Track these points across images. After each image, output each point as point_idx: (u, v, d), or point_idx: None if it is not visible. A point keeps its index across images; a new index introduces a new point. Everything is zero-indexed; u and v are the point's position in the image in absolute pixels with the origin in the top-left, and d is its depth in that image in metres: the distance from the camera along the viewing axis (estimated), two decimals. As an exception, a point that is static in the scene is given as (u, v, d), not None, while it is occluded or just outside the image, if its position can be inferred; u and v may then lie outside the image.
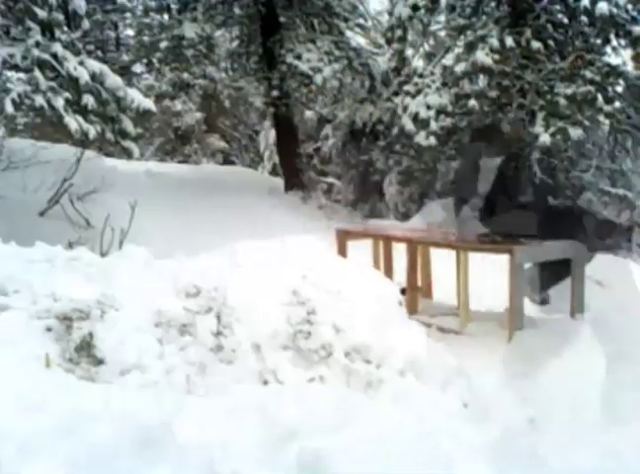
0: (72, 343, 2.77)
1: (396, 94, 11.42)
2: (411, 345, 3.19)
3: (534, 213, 4.56)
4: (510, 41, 9.19)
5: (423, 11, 11.24)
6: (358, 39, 13.89)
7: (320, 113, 14.13)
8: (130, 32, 17.42)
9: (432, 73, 10.60)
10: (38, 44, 6.82)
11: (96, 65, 7.30)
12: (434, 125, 10.03)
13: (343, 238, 5.54)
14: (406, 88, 10.78)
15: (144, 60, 13.21)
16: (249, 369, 2.91)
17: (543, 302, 4.71)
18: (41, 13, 7.05)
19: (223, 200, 9.79)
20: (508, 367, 3.63)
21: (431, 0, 10.59)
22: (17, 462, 1.99)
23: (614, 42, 9.46)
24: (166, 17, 14.39)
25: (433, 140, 10.02)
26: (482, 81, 10.32)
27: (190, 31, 11.27)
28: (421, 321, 3.92)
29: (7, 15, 7.22)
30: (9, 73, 7.30)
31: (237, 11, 13.10)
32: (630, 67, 9.67)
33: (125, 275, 3.40)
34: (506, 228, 4.53)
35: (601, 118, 9.30)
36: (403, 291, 4.48)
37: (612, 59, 9.63)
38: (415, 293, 4.98)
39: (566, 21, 10.08)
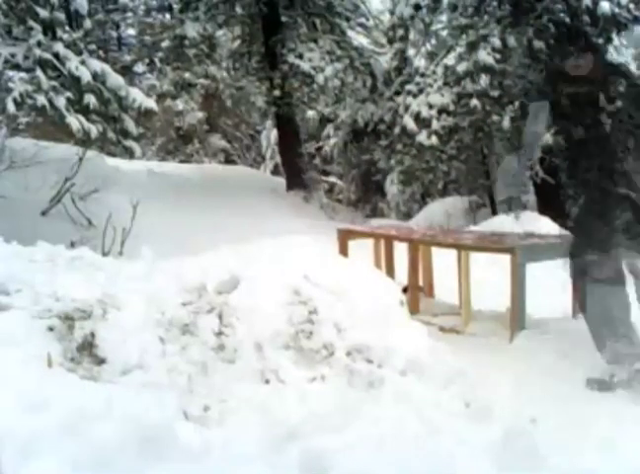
0: (74, 342, 2.77)
1: (398, 93, 11.43)
2: (412, 344, 3.19)
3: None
4: (511, 41, 9.20)
5: (425, 10, 11.26)
6: (359, 39, 13.92)
7: (322, 112, 14.15)
8: (132, 31, 17.45)
9: (433, 72, 10.61)
10: (39, 44, 6.83)
11: (97, 65, 7.31)
12: (435, 125, 10.04)
13: (344, 238, 5.54)
14: (408, 87, 10.79)
15: (146, 60, 13.22)
16: (250, 369, 2.91)
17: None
18: (43, 12, 7.06)
19: (225, 200, 9.80)
20: (509, 367, 3.63)
21: (432, -1, 10.62)
22: (19, 462, 1.99)
23: (616, 42, 9.47)
24: (168, 16, 14.42)
25: (434, 140, 10.03)
26: (484, 80, 10.31)
27: (191, 30, 11.28)
28: (422, 321, 3.91)
29: (9, 14, 7.22)
30: (11, 73, 7.32)
31: (239, 10, 13.12)
32: (632, 67, 9.66)
33: (127, 274, 3.40)
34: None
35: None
36: (405, 290, 4.48)
37: (614, 59, 9.63)
38: (416, 293, 4.98)
39: (568, 20, 10.07)
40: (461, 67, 9.77)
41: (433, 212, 11.62)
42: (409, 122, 10.25)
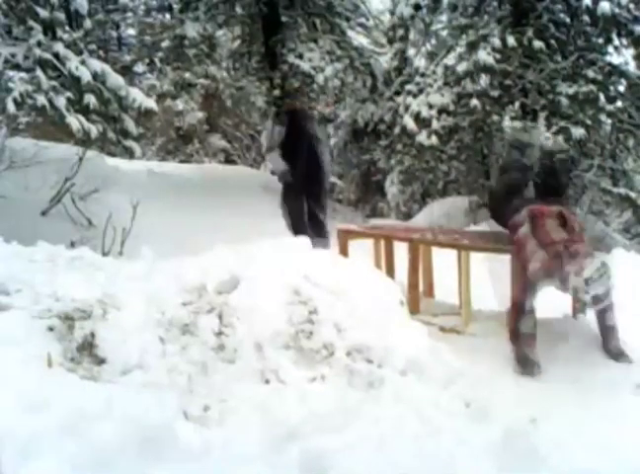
0: (74, 342, 2.77)
1: (398, 93, 11.43)
2: (412, 344, 3.19)
3: None
4: (511, 41, 9.19)
5: (425, 10, 11.26)
6: (359, 39, 13.89)
7: (322, 112, 14.11)
8: (132, 31, 17.43)
9: (433, 72, 10.61)
10: (39, 44, 6.82)
11: (97, 65, 7.30)
12: (435, 125, 10.04)
13: (344, 238, 5.54)
14: (408, 87, 10.79)
15: (146, 60, 13.20)
16: (250, 369, 2.92)
17: None
18: (43, 12, 7.05)
19: (225, 200, 9.78)
20: (509, 367, 3.63)
21: (432, -1, 10.63)
22: (19, 462, 1.99)
23: (616, 42, 9.46)
24: (168, 16, 14.41)
25: (434, 140, 10.04)
26: (484, 80, 10.31)
27: (191, 30, 11.26)
28: (422, 321, 3.91)
29: (9, 14, 7.21)
30: (11, 72, 7.30)
31: (239, 10, 13.11)
32: (632, 66, 9.67)
33: (127, 274, 3.40)
34: None
35: (603, 117, 9.30)
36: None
37: (614, 59, 9.64)
38: (416, 293, 4.97)
39: (568, 20, 10.08)
40: (461, 67, 9.76)
41: (433, 212, 11.61)
42: (409, 122, 10.25)
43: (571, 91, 8.96)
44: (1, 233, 4.00)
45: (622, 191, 9.72)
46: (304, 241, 3.86)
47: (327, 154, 6.58)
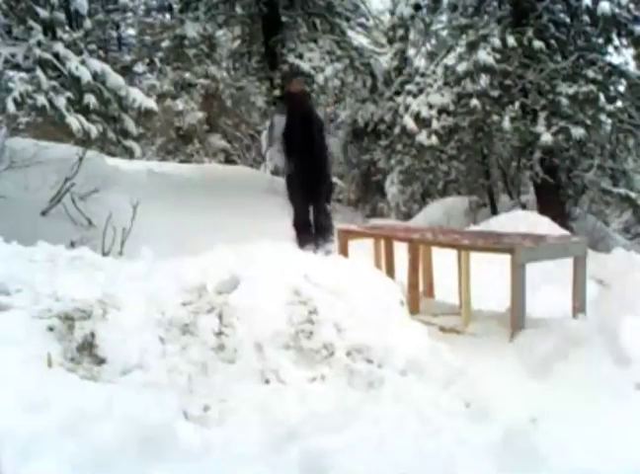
0: (74, 342, 2.77)
1: (398, 93, 11.44)
2: (412, 344, 3.19)
3: None
4: (511, 41, 9.19)
5: (425, 10, 11.27)
6: (359, 39, 13.93)
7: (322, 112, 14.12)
8: (132, 31, 17.46)
9: (433, 72, 10.62)
10: (39, 44, 6.83)
11: (97, 65, 7.31)
12: (435, 125, 10.04)
13: (344, 238, 5.55)
14: (408, 87, 10.80)
15: (146, 60, 13.22)
16: (250, 369, 2.92)
17: None
18: (43, 12, 7.06)
19: (225, 200, 9.79)
20: (509, 367, 3.63)
21: (432, -1, 10.64)
22: (19, 462, 1.99)
23: (616, 42, 9.46)
24: (168, 16, 14.42)
25: (434, 140, 10.04)
26: (484, 80, 10.31)
27: (191, 30, 11.28)
28: (422, 320, 3.91)
29: (9, 14, 7.22)
30: (11, 73, 7.32)
31: (239, 10, 13.13)
32: (632, 66, 9.67)
33: (127, 274, 3.40)
34: None
35: (603, 117, 9.30)
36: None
37: (614, 59, 9.64)
38: (416, 293, 4.97)
39: (568, 20, 10.07)
40: (461, 67, 9.76)
41: (433, 212, 11.62)
42: (409, 122, 10.26)
43: (571, 91, 8.96)
44: (1, 233, 4.01)
45: (622, 191, 9.72)
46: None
47: (329, 142, 6.35)
